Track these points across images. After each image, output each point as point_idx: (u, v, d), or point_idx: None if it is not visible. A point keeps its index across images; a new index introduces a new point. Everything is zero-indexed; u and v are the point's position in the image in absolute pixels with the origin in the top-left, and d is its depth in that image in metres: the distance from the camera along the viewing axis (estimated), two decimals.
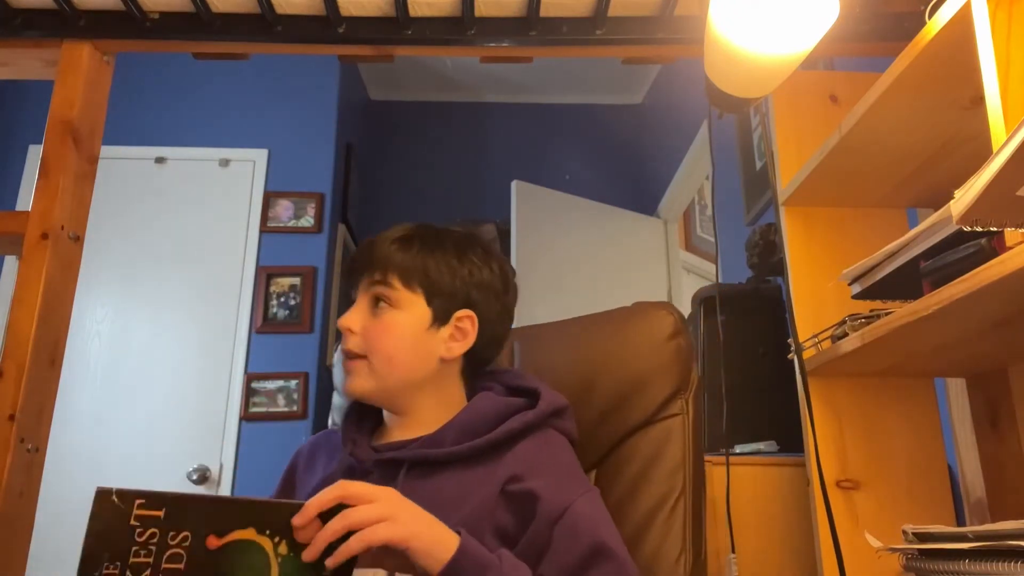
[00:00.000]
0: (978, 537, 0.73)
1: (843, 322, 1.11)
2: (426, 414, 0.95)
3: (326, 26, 1.20)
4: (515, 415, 0.92)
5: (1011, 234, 0.79)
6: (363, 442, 0.95)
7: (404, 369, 0.93)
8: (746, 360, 1.65)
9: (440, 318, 0.95)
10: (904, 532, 0.85)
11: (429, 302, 0.94)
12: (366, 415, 1.00)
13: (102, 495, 0.68)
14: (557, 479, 0.87)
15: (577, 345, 1.08)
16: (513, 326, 1.07)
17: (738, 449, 1.57)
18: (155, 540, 0.67)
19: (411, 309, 0.94)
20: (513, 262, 3.61)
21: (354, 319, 0.94)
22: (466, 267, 0.97)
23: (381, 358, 0.92)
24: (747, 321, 1.69)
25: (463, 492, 0.86)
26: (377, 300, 0.94)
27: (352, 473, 0.91)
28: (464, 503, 0.85)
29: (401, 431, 0.95)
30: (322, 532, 0.69)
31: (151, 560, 0.67)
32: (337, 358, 1.13)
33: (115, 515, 0.68)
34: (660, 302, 1.09)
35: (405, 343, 0.93)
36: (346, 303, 1.06)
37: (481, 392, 0.96)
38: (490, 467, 0.88)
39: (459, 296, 0.95)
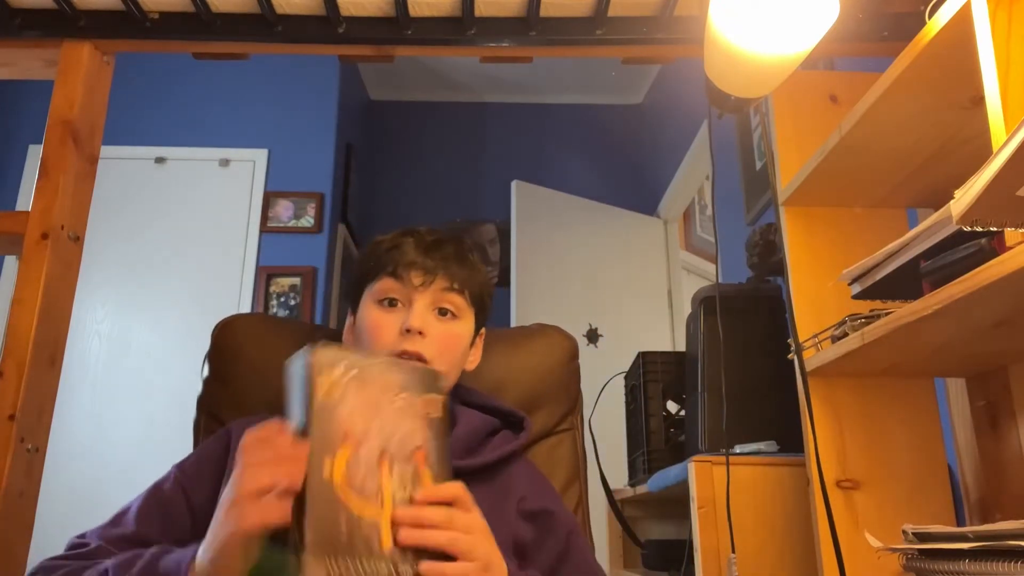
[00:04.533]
0: (978, 537, 0.73)
1: (843, 322, 1.11)
2: None
3: (326, 26, 1.20)
4: (499, 434, 0.98)
5: (1011, 234, 0.79)
6: None
7: (452, 381, 0.96)
8: (746, 360, 1.65)
9: (475, 335, 0.99)
10: (904, 532, 0.85)
11: (476, 319, 0.97)
12: None
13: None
14: (555, 498, 0.97)
15: (486, 358, 1.11)
16: None
17: (738, 449, 1.57)
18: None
19: (467, 323, 0.96)
20: (513, 262, 3.61)
21: (425, 323, 0.90)
22: (490, 284, 1.00)
23: (445, 367, 0.91)
24: (747, 321, 1.69)
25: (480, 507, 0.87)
26: (444, 309, 0.93)
27: None
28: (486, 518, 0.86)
29: None
30: (428, 534, 0.68)
31: None
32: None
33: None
34: (556, 327, 1.19)
35: (462, 355, 0.96)
36: (346, 302, 1.02)
37: (456, 405, 0.99)
38: (495, 485, 0.91)
39: (486, 311, 0.99)
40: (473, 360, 1.01)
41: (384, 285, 0.92)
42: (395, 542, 0.66)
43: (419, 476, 0.70)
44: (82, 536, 0.85)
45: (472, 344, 0.99)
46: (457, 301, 0.93)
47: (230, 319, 1.14)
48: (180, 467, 0.92)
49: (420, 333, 0.89)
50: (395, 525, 0.67)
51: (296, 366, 0.69)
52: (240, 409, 1.06)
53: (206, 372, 1.13)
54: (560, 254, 3.77)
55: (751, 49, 0.93)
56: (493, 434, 0.97)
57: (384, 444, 0.69)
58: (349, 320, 1.00)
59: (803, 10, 0.91)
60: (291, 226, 3.47)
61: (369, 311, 0.93)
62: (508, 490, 0.91)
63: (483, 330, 1.02)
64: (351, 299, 1.00)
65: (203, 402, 1.13)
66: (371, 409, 0.69)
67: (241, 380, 1.09)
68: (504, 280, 4.08)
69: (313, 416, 0.66)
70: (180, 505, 0.87)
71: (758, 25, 0.91)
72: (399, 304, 0.92)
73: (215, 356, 1.12)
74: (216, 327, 1.13)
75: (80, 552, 0.81)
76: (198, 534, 0.84)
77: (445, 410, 0.74)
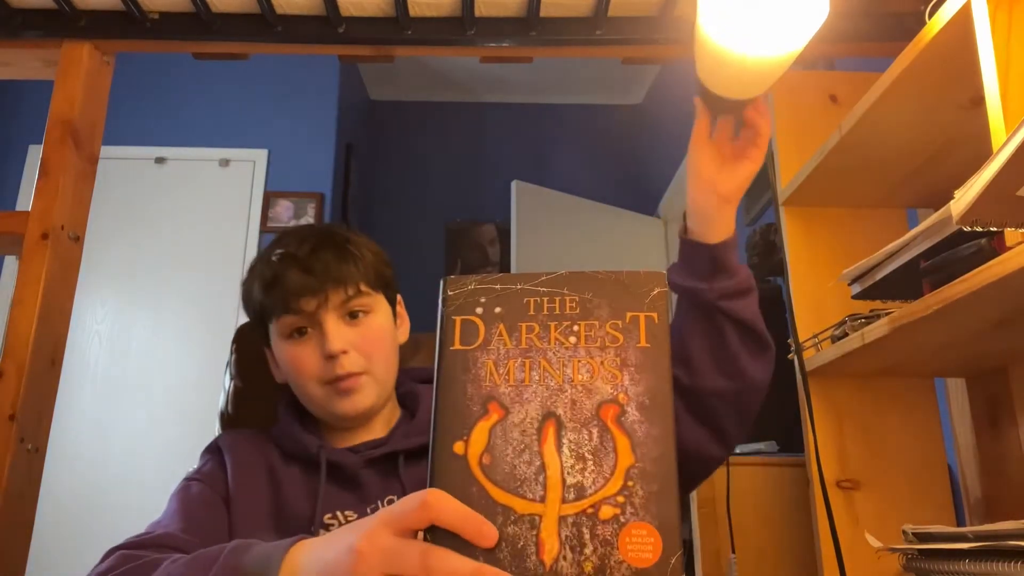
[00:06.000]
0: (978, 537, 0.73)
1: (843, 322, 1.11)
2: (386, 412, 0.95)
3: (326, 26, 1.20)
4: None
5: (1011, 234, 0.79)
6: (328, 445, 0.90)
7: (394, 368, 0.95)
8: None
9: (393, 310, 0.97)
10: (904, 532, 0.85)
11: (387, 296, 0.96)
12: (306, 418, 0.94)
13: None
14: None
15: None
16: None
17: (738, 449, 1.57)
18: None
19: (382, 309, 0.94)
20: (513, 262, 3.61)
21: (342, 340, 0.87)
22: (382, 254, 0.97)
23: (382, 367, 0.91)
24: None
25: None
26: (352, 313, 0.90)
27: (341, 476, 0.87)
28: None
29: (365, 432, 0.93)
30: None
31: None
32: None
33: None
34: None
35: (392, 343, 0.94)
36: (253, 334, 0.97)
37: (416, 386, 0.99)
38: None
39: (392, 282, 0.97)
40: (403, 331, 0.99)
41: (286, 322, 0.89)
42: (564, 550, 0.46)
43: (609, 444, 0.48)
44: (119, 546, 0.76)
45: (395, 316, 0.97)
46: (361, 300, 0.90)
47: (248, 324, 1.09)
48: (196, 477, 0.89)
49: (343, 352, 0.87)
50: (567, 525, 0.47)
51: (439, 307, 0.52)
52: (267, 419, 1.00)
53: (228, 381, 1.10)
54: (560, 254, 3.76)
55: (740, 51, 0.92)
56: None
57: (547, 404, 0.49)
58: (270, 357, 0.96)
59: (791, 11, 0.91)
60: (291, 226, 3.47)
61: (282, 348, 0.90)
62: None
63: (399, 296, 1.00)
64: (260, 338, 0.96)
65: (227, 411, 1.09)
66: (527, 356, 0.50)
67: (266, 387, 1.04)
68: None
69: (442, 371, 0.50)
70: (213, 497, 0.86)
71: (746, 26, 0.91)
72: (308, 331, 0.89)
73: (239, 363, 1.10)
74: (236, 332, 1.12)
75: (149, 538, 0.75)
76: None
77: (662, 325, 0.51)
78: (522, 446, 0.48)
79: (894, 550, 0.86)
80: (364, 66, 4.30)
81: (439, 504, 0.47)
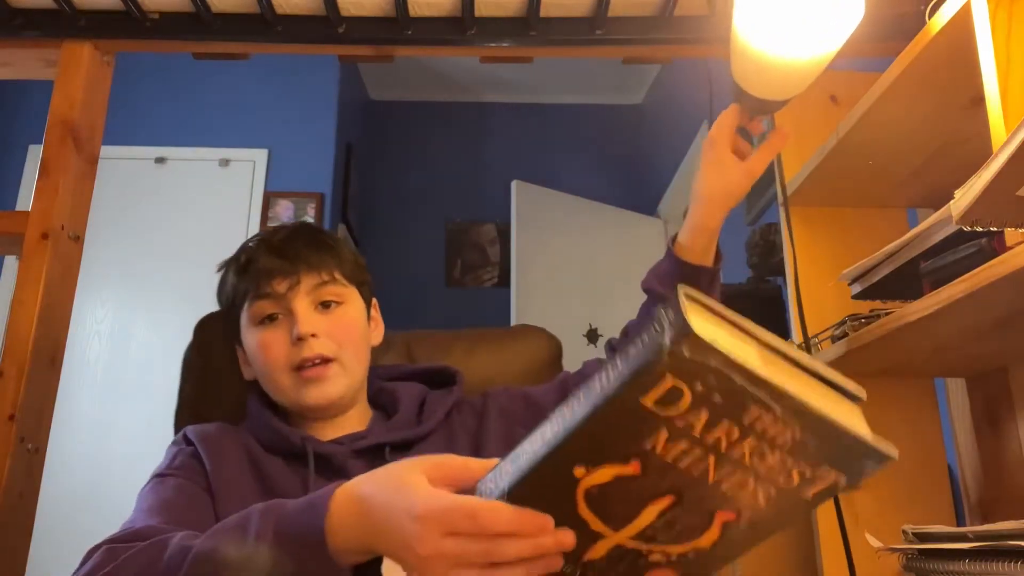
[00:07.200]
0: (978, 537, 0.73)
1: (843, 322, 1.11)
2: (358, 410, 0.95)
3: (326, 26, 1.20)
4: (433, 393, 0.98)
5: (1011, 234, 0.79)
6: (311, 437, 0.89)
7: (365, 363, 0.94)
8: None
9: (368, 308, 0.98)
10: (904, 532, 0.85)
11: (362, 294, 0.96)
12: (278, 413, 0.93)
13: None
14: (519, 392, 1.00)
15: (469, 357, 1.12)
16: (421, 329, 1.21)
17: None
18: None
19: (356, 303, 0.95)
20: (513, 262, 3.61)
21: (311, 324, 0.87)
22: (359, 255, 0.99)
23: (351, 355, 0.90)
24: None
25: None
26: (325, 302, 0.90)
27: (328, 468, 0.86)
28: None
29: (339, 427, 0.92)
30: None
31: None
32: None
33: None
34: (541, 328, 1.20)
35: (363, 337, 0.94)
36: (230, 321, 0.97)
37: (385, 383, 0.99)
38: (446, 433, 0.92)
39: (369, 283, 0.99)
40: (376, 334, 0.99)
41: (256, 307, 0.89)
42: (602, 560, 0.50)
43: (702, 531, 0.48)
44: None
45: (369, 318, 0.98)
46: (334, 289, 0.91)
47: (211, 316, 1.11)
48: (167, 472, 0.85)
49: (313, 336, 0.87)
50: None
51: (646, 337, 0.41)
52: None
53: (184, 371, 1.11)
54: (560, 254, 3.76)
55: (777, 53, 0.91)
56: (424, 396, 0.98)
57: (680, 485, 0.46)
58: (240, 354, 0.96)
59: (828, 12, 0.89)
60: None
61: (252, 335, 0.90)
62: (458, 435, 0.92)
63: (375, 300, 1.01)
64: (229, 332, 0.96)
65: (184, 405, 1.10)
66: (702, 448, 0.44)
67: (222, 379, 1.05)
68: (504, 280, 4.07)
69: (610, 406, 0.43)
70: (193, 488, 0.82)
71: (783, 28, 0.89)
72: (279, 317, 0.89)
73: (195, 354, 1.12)
74: (197, 324, 1.13)
75: (130, 533, 0.72)
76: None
77: (833, 496, 0.50)
78: (632, 498, 0.47)
79: (894, 550, 0.86)
80: (364, 66, 4.30)
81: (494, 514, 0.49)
